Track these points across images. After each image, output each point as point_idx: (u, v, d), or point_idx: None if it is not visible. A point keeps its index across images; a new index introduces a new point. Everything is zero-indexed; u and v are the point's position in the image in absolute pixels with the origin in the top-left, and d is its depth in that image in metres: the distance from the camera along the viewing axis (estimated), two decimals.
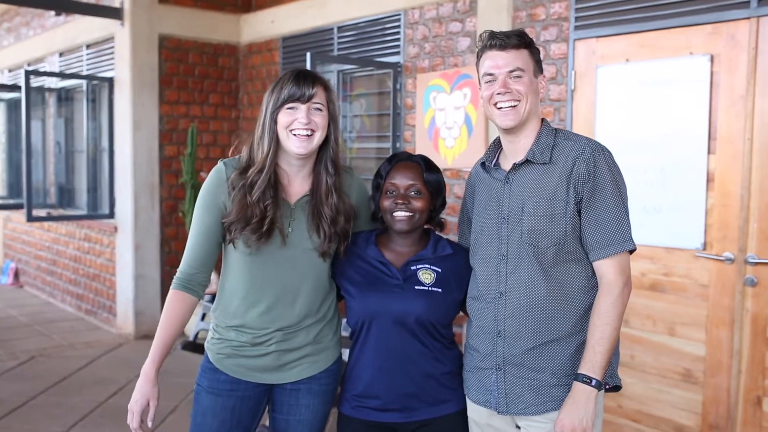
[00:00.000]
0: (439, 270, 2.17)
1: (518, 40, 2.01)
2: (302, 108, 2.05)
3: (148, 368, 2.11)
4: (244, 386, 2.18)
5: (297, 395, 2.21)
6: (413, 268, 2.17)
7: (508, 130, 2.05)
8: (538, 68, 2.05)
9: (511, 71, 1.99)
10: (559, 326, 1.99)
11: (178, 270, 2.17)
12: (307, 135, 2.06)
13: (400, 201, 2.15)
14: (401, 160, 2.23)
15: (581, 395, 1.93)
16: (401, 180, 2.18)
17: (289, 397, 2.21)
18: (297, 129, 2.05)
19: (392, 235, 2.22)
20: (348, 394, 2.22)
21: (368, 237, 2.25)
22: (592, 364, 1.93)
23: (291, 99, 2.05)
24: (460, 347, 2.23)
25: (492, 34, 2.03)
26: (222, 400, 2.17)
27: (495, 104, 2.02)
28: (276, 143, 2.08)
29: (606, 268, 1.97)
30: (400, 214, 2.15)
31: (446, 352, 2.18)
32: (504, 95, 2.00)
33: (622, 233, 1.97)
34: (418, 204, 2.16)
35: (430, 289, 2.13)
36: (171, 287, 2.16)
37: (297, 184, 2.15)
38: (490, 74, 2.02)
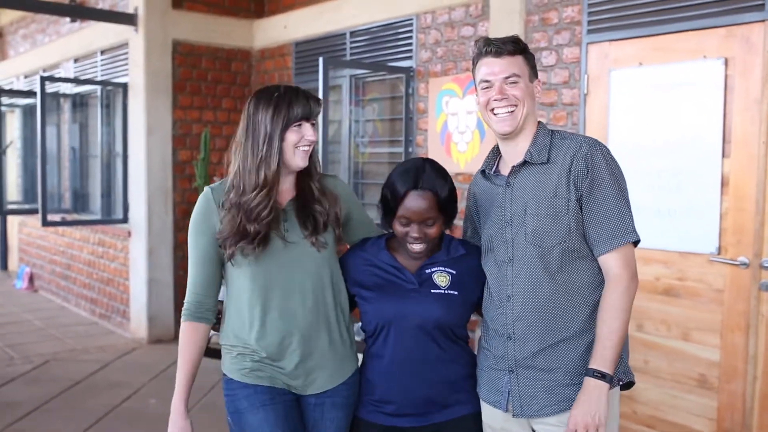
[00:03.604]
0: (454, 272, 2.16)
1: (513, 46, 2.04)
2: (307, 125, 2.13)
3: (176, 403, 2.16)
4: (280, 392, 2.16)
5: (322, 410, 2.20)
6: (428, 271, 2.16)
7: (505, 136, 2.09)
8: (533, 73, 2.08)
9: (507, 77, 2.03)
10: (567, 326, 1.99)
11: (184, 302, 2.19)
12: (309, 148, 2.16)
13: (415, 235, 2.09)
14: (414, 188, 2.08)
15: (593, 390, 1.92)
16: (415, 213, 2.08)
17: (314, 412, 2.20)
18: (304, 146, 2.13)
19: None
20: (363, 398, 2.21)
21: (378, 242, 2.24)
22: (602, 358, 1.93)
23: (302, 118, 2.11)
24: (474, 351, 2.23)
25: (487, 41, 2.07)
26: (272, 408, 2.12)
27: (492, 110, 2.07)
28: (282, 161, 2.12)
29: (611, 261, 1.97)
30: (416, 246, 2.12)
31: (462, 354, 2.18)
32: (501, 101, 2.04)
33: (624, 225, 1.97)
34: (432, 231, 2.11)
35: (446, 292, 2.12)
36: (182, 320, 2.19)
37: (285, 190, 2.19)
38: (487, 81, 2.06)
